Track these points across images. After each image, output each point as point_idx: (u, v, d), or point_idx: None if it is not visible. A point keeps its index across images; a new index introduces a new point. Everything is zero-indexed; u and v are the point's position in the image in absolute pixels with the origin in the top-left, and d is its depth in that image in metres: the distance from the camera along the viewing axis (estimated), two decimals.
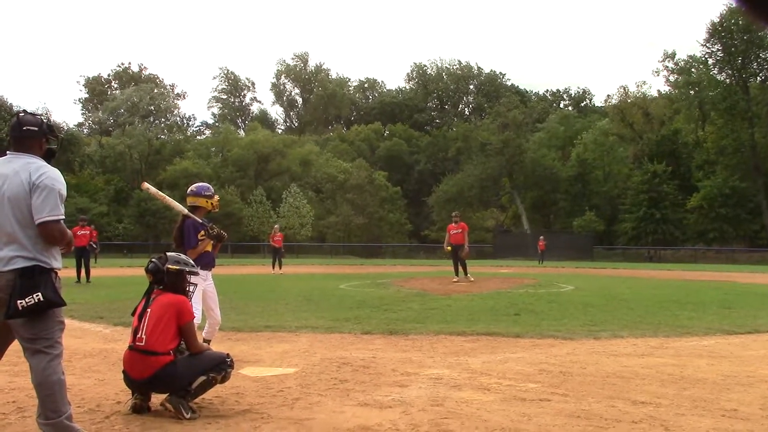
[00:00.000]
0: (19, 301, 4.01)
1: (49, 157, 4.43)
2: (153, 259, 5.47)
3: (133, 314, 5.35)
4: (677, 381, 6.45)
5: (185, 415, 4.93)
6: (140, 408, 5.14)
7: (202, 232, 7.10)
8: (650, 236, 61.58)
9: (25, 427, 4.64)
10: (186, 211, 7.11)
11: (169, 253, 5.60)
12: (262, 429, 4.70)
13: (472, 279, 21.16)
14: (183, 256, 5.68)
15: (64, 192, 4.30)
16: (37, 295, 4.05)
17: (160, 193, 7.09)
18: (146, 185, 7.14)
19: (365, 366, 7.10)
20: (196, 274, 5.78)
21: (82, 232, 21.38)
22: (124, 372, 5.20)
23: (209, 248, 7.28)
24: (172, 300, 5.29)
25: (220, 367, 5.23)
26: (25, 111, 4.54)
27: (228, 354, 5.43)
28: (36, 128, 4.35)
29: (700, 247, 61.63)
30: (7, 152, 4.37)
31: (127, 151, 71.45)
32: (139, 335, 5.11)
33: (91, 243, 21.73)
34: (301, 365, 7.16)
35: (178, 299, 5.33)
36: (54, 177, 4.25)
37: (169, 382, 5.06)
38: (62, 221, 4.24)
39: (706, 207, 60.08)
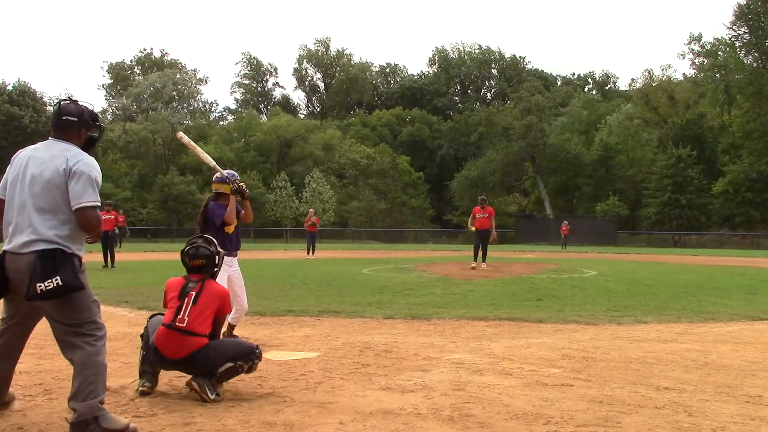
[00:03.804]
0: (38, 285, 4.03)
1: (89, 144, 4.48)
2: (201, 245, 5.51)
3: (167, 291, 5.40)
4: (701, 367, 6.41)
5: (210, 395, 4.96)
6: (148, 393, 5.18)
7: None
8: (674, 221, 61.13)
9: (52, 408, 4.70)
10: (213, 162, 7.13)
11: (204, 236, 5.68)
12: (285, 412, 4.72)
13: (484, 266, 20.44)
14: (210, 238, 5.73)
15: (100, 179, 4.33)
16: (55, 279, 4.05)
17: (192, 143, 7.15)
18: (180, 134, 7.23)
19: (387, 350, 7.12)
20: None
21: (107, 216, 21.54)
22: (155, 350, 5.22)
23: (231, 229, 7.32)
24: (220, 291, 5.41)
25: (248, 357, 5.25)
26: (69, 99, 4.55)
27: (258, 346, 5.48)
28: (75, 119, 4.39)
29: (725, 232, 61.15)
30: (49, 137, 4.41)
31: (151, 137, 71.86)
32: (180, 316, 5.15)
33: (116, 228, 21.91)
34: (324, 349, 7.19)
35: (225, 292, 5.48)
36: (90, 164, 4.28)
37: (201, 364, 5.10)
38: (98, 208, 4.28)
39: (732, 192, 59.48)
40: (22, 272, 4.14)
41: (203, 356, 5.10)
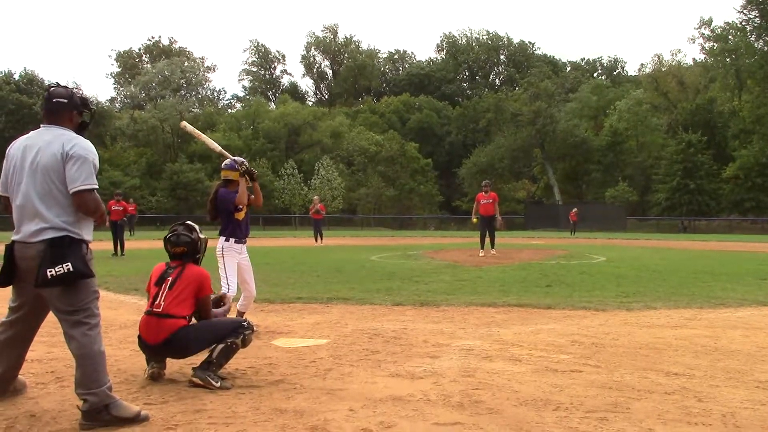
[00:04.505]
0: (48, 270, 4.06)
1: (81, 129, 4.48)
2: (182, 232, 5.52)
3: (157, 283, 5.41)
4: (711, 352, 6.40)
5: (215, 384, 4.98)
6: (158, 376, 5.23)
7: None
8: (684, 207, 60.87)
9: (64, 396, 4.73)
10: (219, 147, 7.13)
11: (186, 222, 5.68)
12: (295, 399, 4.74)
13: (493, 252, 20.39)
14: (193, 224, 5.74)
15: (97, 162, 4.34)
16: (66, 265, 4.08)
17: (197, 131, 7.15)
18: (184, 123, 7.22)
19: (396, 337, 7.13)
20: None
21: (117, 207, 21.65)
22: (139, 337, 5.26)
23: (241, 216, 7.32)
24: (197, 273, 5.38)
25: (238, 332, 5.25)
26: (57, 84, 4.57)
27: (245, 318, 5.48)
28: (66, 100, 4.40)
29: (735, 218, 60.94)
30: (41, 125, 4.42)
31: (159, 125, 71.94)
32: (157, 301, 5.18)
33: (125, 218, 22.09)
34: (333, 336, 7.21)
35: (203, 273, 5.43)
36: (87, 147, 4.29)
37: (182, 347, 5.14)
38: (96, 191, 4.28)
39: (742, 177, 59.17)
40: (31, 260, 4.16)
41: (183, 337, 5.11)
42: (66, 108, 4.40)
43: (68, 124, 4.40)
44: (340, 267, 16.39)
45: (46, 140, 4.27)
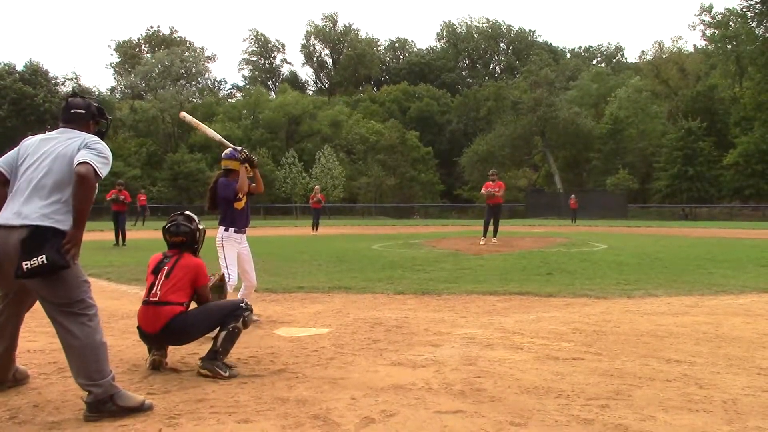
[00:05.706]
0: (24, 263, 3.99)
1: (98, 137, 4.53)
2: (182, 222, 5.53)
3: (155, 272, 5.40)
4: (712, 339, 6.41)
5: (224, 374, 4.99)
6: (159, 364, 5.24)
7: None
8: (685, 194, 60.82)
9: (67, 386, 4.73)
10: (219, 137, 7.13)
11: (186, 212, 5.68)
12: (297, 388, 4.75)
13: (494, 240, 20.43)
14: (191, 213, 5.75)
15: (110, 163, 4.36)
16: (41, 258, 3.99)
17: (196, 121, 7.17)
18: (183, 114, 7.25)
19: (398, 326, 7.14)
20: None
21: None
22: (138, 327, 5.27)
23: (240, 205, 7.31)
24: (193, 262, 5.39)
25: (236, 314, 5.23)
26: (75, 93, 4.70)
27: (243, 299, 5.47)
28: (83, 111, 4.54)
29: (735, 204, 60.82)
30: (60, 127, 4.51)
31: (160, 115, 71.84)
32: (153, 290, 5.19)
33: (120, 197, 22.04)
34: (335, 325, 7.22)
35: (198, 262, 5.43)
36: (106, 146, 4.38)
37: (181, 333, 5.14)
38: (99, 177, 4.22)
39: (743, 163, 59.03)
40: (12, 247, 4.08)
41: (181, 323, 5.11)
42: (84, 118, 4.54)
43: (86, 131, 4.49)
44: (342, 256, 16.40)
45: (68, 137, 4.37)
